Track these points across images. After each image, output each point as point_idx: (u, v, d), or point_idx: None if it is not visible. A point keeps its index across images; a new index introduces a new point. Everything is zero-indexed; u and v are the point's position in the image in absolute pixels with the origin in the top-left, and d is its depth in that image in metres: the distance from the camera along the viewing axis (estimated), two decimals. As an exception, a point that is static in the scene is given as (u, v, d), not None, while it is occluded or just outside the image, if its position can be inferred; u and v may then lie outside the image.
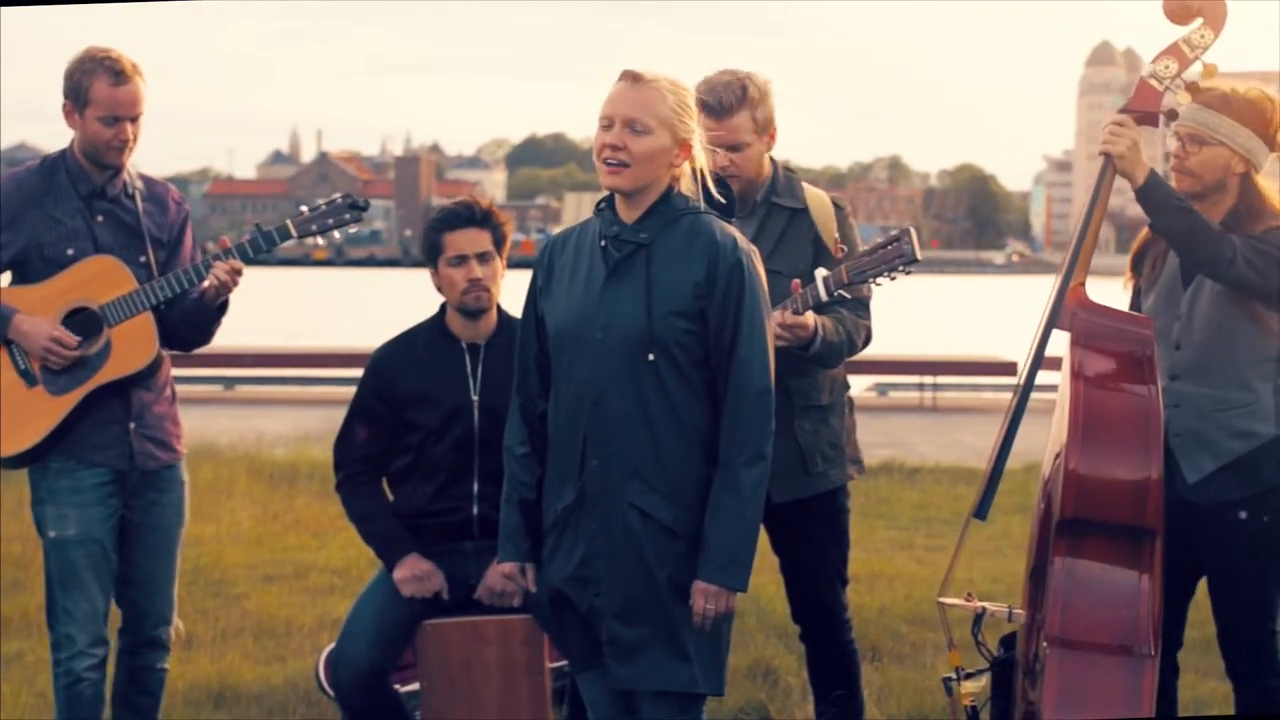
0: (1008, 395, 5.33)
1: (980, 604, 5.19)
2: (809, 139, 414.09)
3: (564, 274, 4.79)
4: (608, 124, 4.65)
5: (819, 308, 5.52)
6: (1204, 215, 5.13)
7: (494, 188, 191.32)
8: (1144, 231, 5.51)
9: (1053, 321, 4.97)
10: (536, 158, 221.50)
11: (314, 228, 5.75)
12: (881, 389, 24.09)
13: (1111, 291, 5.38)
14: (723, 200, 4.78)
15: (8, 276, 5.70)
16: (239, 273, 5.62)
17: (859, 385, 24.04)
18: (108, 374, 5.59)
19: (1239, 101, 5.24)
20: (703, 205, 4.73)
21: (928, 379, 22.71)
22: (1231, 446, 5.22)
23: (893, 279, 5.53)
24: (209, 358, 22.85)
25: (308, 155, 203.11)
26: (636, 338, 4.62)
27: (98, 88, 5.55)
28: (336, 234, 5.81)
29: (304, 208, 5.79)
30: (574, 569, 4.72)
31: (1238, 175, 5.27)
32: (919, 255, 5.48)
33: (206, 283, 5.59)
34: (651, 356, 4.61)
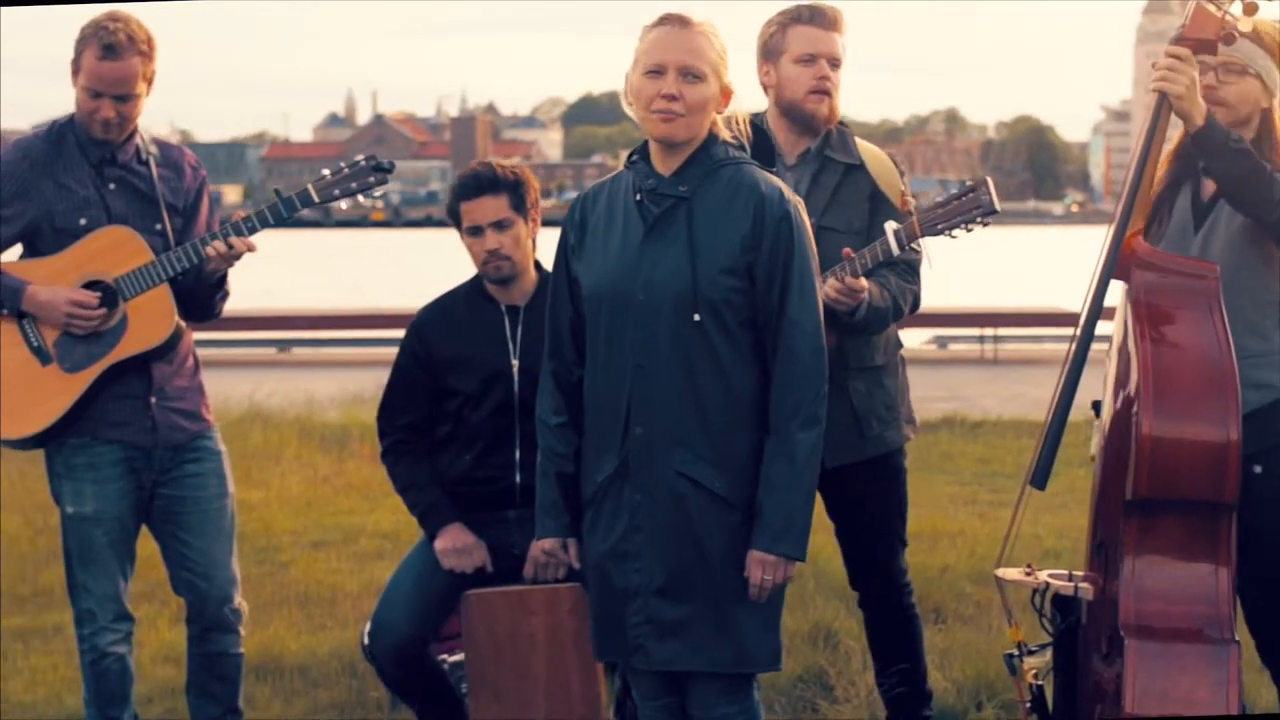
0: (1070, 346, 5.08)
1: (1042, 578, 4.92)
2: (865, 93, 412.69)
3: (598, 231, 4.54)
4: (659, 71, 4.39)
5: (888, 262, 5.29)
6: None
7: (550, 147, 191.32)
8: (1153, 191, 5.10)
9: (1109, 273, 4.69)
10: (592, 116, 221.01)
11: (336, 192, 5.51)
12: (941, 342, 23.86)
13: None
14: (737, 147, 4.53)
15: (19, 250, 5.47)
16: (234, 250, 5.35)
17: (919, 338, 23.90)
18: (124, 349, 5.37)
19: (1266, 34, 4.92)
20: (743, 154, 4.50)
21: (988, 331, 22.42)
22: (1246, 398, 4.71)
23: (969, 230, 5.29)
24: (263, 320, 22.79)
25: (363, 117, 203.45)
26: (682, 297, 4.38)
27: (87, 58, 5.30)
28: (361, 198, 5.56)
29: (326, 171, 5.53)
30: (614, 543, 4.50)
31: (1261, 110, 4.97)
32: (998, 206, 5.26)
33: (209, 250, 5.35)
34: (698, 317, 4.37)
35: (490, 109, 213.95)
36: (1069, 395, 4.71)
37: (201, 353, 17.87)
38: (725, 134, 4.50)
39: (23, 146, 5.44)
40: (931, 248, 5.46)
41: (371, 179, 5.53)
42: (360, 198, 5.54)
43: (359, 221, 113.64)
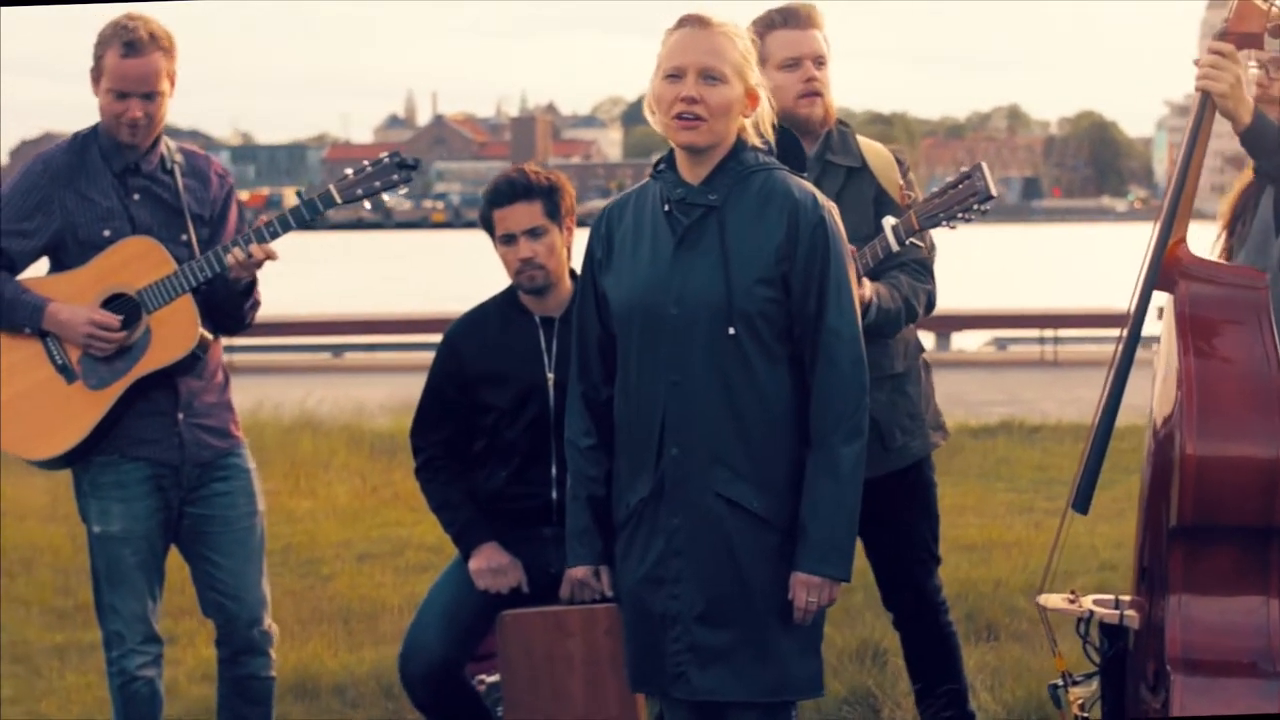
0: (1114, 353, 4.90)
1: (1087, 605, 4.74)
2: (925, 90, 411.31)
3: (625, 245, 4.39)
4: (678, 74, 4.25)
5: (889, 258, 5.12)
6: None
7: (610, 146, 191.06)
8: (1237, 188, 4.94)
9: (1151, 284, 4.50)
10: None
11: (359, 191, 5.35)
12: (1000, 343, 23.60)
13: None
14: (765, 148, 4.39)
15: (45, 265, 5.36)
16: (255, 258, 5.20)
17: (978, 340, 23.67)
18: (149, 364, 5.24)
19: None
20: (773, 160, 4.35)
21: (1048, 332, 22.17)
22: None
23: (968, 220, 5.11)
24: (316, 325, 22.73)
25: (423, 118, 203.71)
26: (716, 311, 4.23)
27: (109, 58, 5.19)
28: (385, 196, 5.41)
29: (349, 170, 5.38)
30: (649, 568, 4.34)
31: None
32: (994, 191, 5.07)
33: (230, 259, 5.22)
34: (733, 330, 4.22)
35: (550, 109, 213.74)
36: (1110, 415, 4.53)
37: (253, 359, 17.90)
38: (754, 139, 4.36)
39: (44, 158, 5.35)
40: (951, 241, 5.33)
41: (396, 176, 5.37)
42: (385, 196, 5.39)
43: (419, 223, 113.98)
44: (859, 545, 5.56)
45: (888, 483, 5.35)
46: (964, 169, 5.12)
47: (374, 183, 5.35)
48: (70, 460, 5.28)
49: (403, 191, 5.46)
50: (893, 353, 5.36)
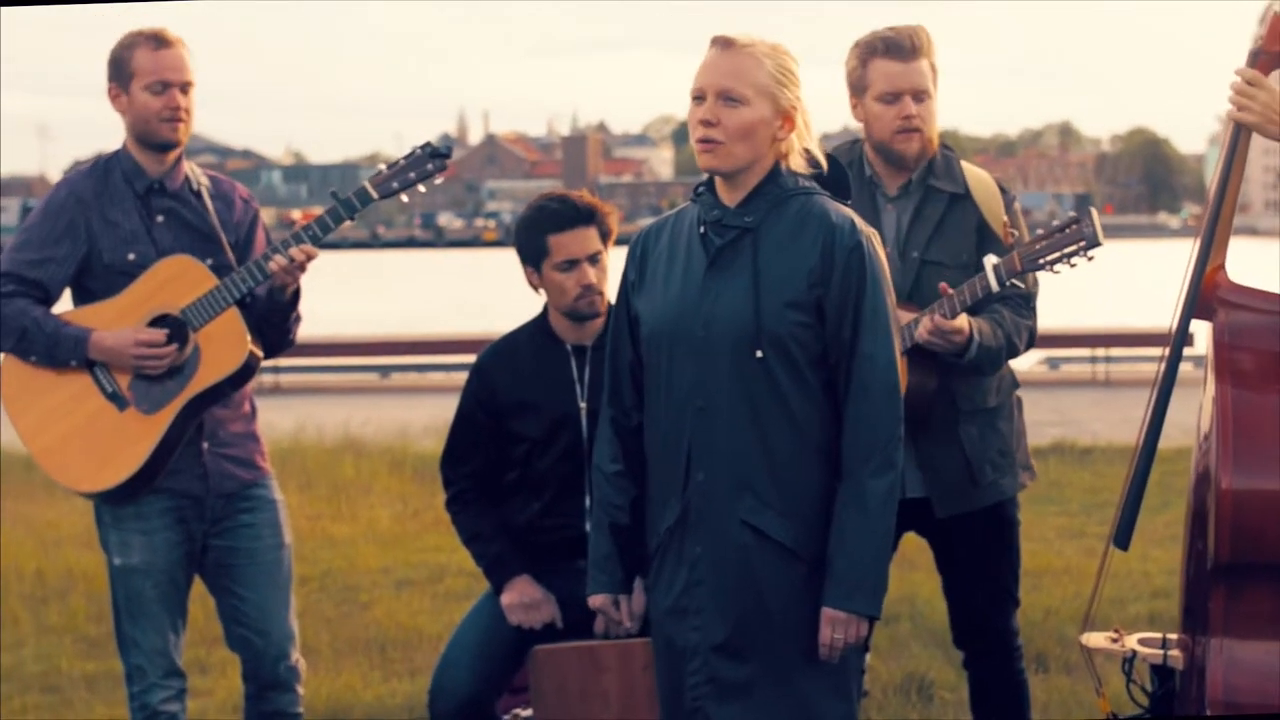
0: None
1: (1130, 645, 4.59)
2: (977, 106, 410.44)
3: (659, 268, 4.28)
4: (700, 97, 4.14)
5: (988, 299, 4.96)
6: None
7: (661, 165, 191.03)
8: None
9: (1189, 313, 4.34)
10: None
11: (395, 185, 5.22)
12: (1052, 363, 23.39)
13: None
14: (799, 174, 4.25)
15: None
16: (296, 260, 5.09)
17: (1030, 359, 23.45)
18: (202, 381, 5.12)
19: None
20: (813, 184, 4.21)
21: (1100, 351, 21.96)
22: None
23: (1072, 265, 4.97)
24: (362, 345, 22.65)
25: (475, 137, 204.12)
26: (744, 333, 4.11)
27: (140, 57, 5.12)
28: (421, 186, 5.26)
29: (382, 166, 5.27)
30: (675, 599, 4.22)
31: None
32: (1101, 239, 4.92)
33: (273, 265, 5.09)
34: (760, 354, 4.09)
35: (601, 127, 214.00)
36: (1150, 449, 4.38)
37: (300, 379, 17.83)
38: (797, 162, 4.23)
39: (68, 182, 5.27)
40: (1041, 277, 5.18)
41: (430, 166, 5.24)
42: (421, 187, 5.26)
43: (471, 241, 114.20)
44: (930, 565, 5.42)
45: (971, 520, 5.20)
46: (1071, 213, 5.00)
47: (409, 174, 5.23)
48: (130, 491, 5.14)
49: (438, 181, 5.32)
50: (986, 387, 5.18)
